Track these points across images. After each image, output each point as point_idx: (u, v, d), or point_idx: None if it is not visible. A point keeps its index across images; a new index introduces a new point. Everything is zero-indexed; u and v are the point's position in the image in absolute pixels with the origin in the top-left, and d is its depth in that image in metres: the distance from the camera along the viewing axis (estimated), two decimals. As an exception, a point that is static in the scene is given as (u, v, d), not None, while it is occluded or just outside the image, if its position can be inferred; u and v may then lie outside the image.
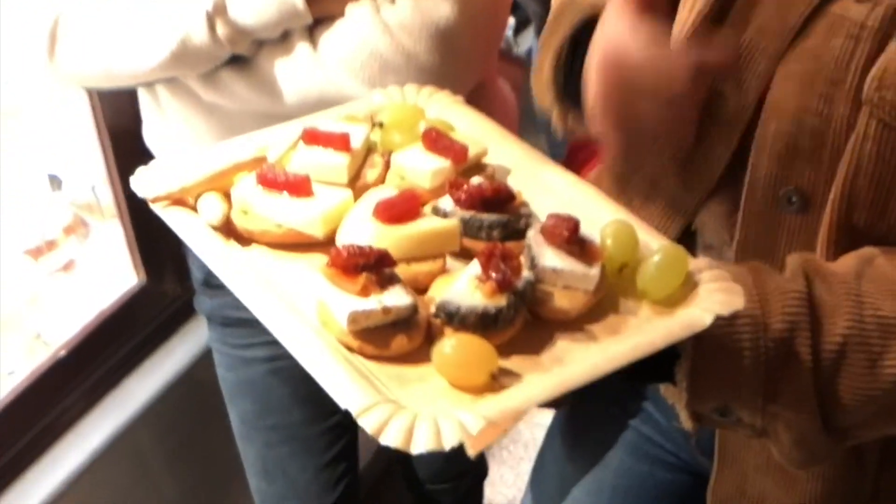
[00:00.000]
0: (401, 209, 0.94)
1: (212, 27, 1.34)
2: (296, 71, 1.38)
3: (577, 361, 0.87)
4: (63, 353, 1.90)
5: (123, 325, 2.02)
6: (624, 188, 1.22)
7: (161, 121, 1.61)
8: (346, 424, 1.89)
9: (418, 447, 0.77)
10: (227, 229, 0.99)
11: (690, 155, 1.14)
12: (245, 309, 1.72)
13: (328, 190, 0.99)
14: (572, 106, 1.13)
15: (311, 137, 1.03)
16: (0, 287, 1.98)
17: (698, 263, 0.96)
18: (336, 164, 1.01)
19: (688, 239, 1.17)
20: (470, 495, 2.42)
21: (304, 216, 0.97)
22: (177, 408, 2.09)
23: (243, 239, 0.99)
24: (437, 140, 1.03)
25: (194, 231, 0.98)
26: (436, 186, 1.02)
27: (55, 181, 2.22)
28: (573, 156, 1.75)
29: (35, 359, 1.96)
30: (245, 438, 1.92)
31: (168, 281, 2.09)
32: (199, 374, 2.10)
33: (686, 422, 1.01)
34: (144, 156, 1.71)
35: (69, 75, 1.48)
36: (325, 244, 0.97)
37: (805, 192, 1.05)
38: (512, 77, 1.78)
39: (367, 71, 1.35)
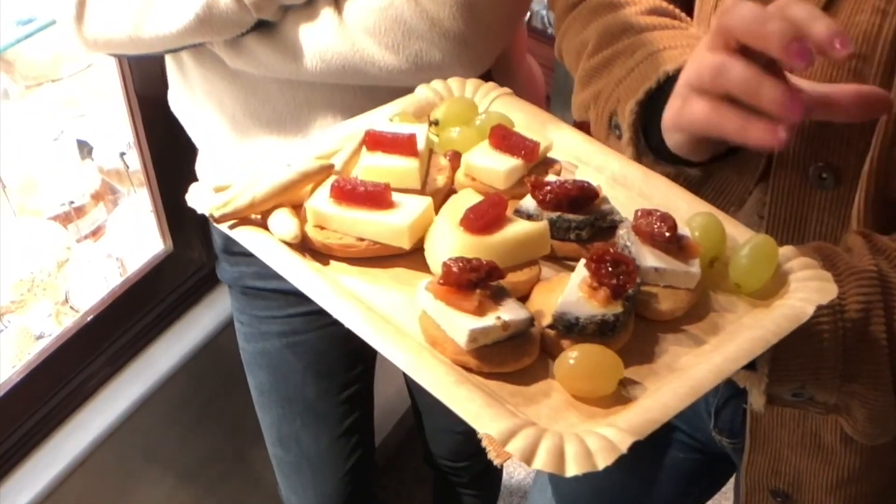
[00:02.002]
0: (490, 217, 0.90)
1: None
2: (320, 36, 1.37)
3: (695, 365, 0.85)
4: (90, 318, 1.94)
5: (150, 292, 2.07)
6: (676, 177, 1.19)
7: (185, 86, 1.60)
8: (360, 397, 1.94)
9: (572, 469, 0.75)
10: (302, 245, 0.95)
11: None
12: (264, 279, 1.77)
13: (406, 198, 0.95)
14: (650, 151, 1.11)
15: (375, 142, 0.98)
16: (29, 252, 2.03)
17: (784, 251, 0.95)
18: (406, 169, 0.97)
19: None
20: (489, 471, 2.42)
21: (389, 229, 0.92)
22: (201, 374, 2.14)
23: (321, 254, 0.95)
24: (506, 138, 1.00)
25: (273, 250, 0.92)
26: (509, 186, 0.99)
27: (85, 148, 2.24)
28: None
29: (62, 323, 2.03)
30: (262, 407, 1.97)
31: (194, 249, 2.11)
32: (223, 342, 2.15)
33: (758, 403, 1.00)
34: (173, 124, 1.75)
35: (96, 41, 1.46)
36: (409, 256, 0.94)
37: (837, 167, 1.05)
38: (545, 56, 1.76)
39: (390, 36, 1.35)
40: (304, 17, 1.38)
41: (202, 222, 2.00)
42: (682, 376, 0.83)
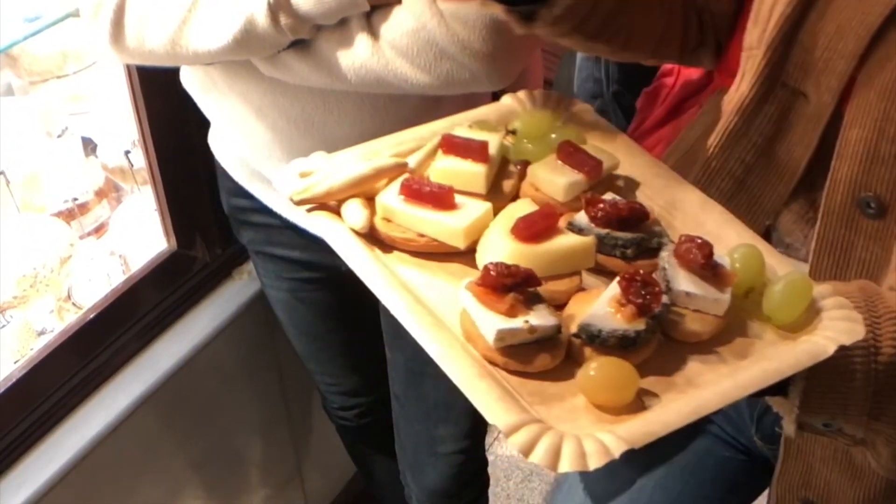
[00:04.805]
0: (539, 227, 0.98)
1: (274, 17, 1.38)
2: (355, 55, 1.42)
3: (709, 385, 0.91)
4: (92, 315, 1.94)
5: (152, 290, 2.07)
6: (707, 189, 1.23)
7: (203, 73, 1.66)
8: (369, 326, 2.04)
9: (564, 467, 0.82)
10: (369, 234, 1.04)
11: (774, 152, 1.17)
12: (272, 246, 1.92)
13: (469, 202, 1.03)
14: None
15: (450, 146, 1.06)
16: (32, 248, 2.01)
17: (821, 290, 0.99)
18: (475, 173, 1.05)
19: (764, 236, 1.19)
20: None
21: (447, 228, 1.01)
22: (202, 373, 2.16)
23: (385, 245, 1.04)
24: (572, 154, 1.06)
25: (340, 236, 1.02)
26: (569, 199, 1.06)
27: (89, 145, 2.24)
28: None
29: (64, 319, 2.02)
30: (287, 334, 2.15)
31: (198, 247, 2.13)
32: (225, 341, 2.17)
33: (789, 430, 1.05)
34: (179, 123, 1.78)
35: (132, 56, 1.52)
36: (465, 254, 1.02)
37: (883, 198, 1.07)
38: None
39: (422, 57, 1.40)
40: (337, 36, 1.43)
41: (206, 221, 2.05)
42: (689, 396, 0.90)
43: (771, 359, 0.94)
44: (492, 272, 0.91)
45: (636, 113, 1.86)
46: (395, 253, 1.03)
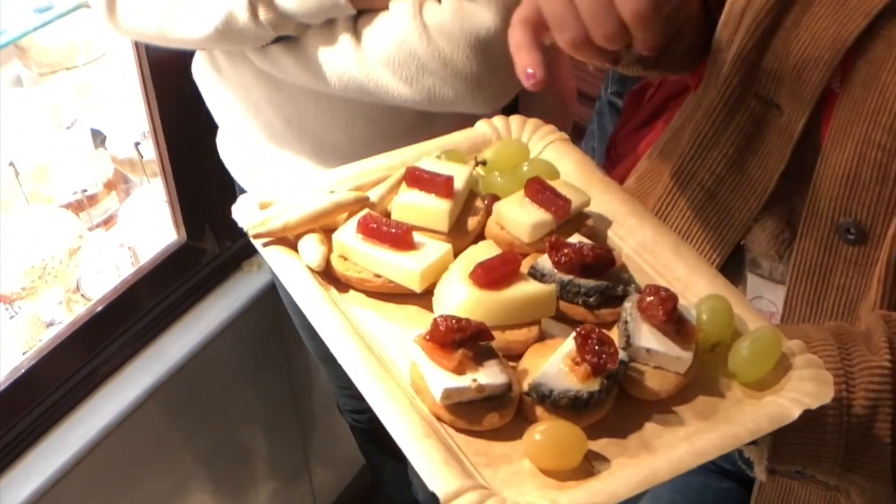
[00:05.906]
0: (499, 274, 0.94)
1: (253, 11, 1.36)
2: (337, 59, 1.39)
3: (664, 450, 0.88)
4: (101, 307, 1.95)
5: (161, 282, 2.07)
6: (677, 198, 1.21)
7: (212, 67, 1.66)
8: None
9: (503, 538, 0.79)
10: (325, 271, 1.00)
11: (745, 164, 1.15)
12: None
13: (428, 242, 0.99)
14: None
15: (414, 180, 1.03)
16: (40, 240, 2.02)
17: (791, 345, 0.95)
18: (438, 210, 1.01)
19: (736, 254, 1.18)
20: None
21: (403, 270, 0.97)
22: (211, 365, 2.15)
23: (340, 283, 1.00)
24: (540, 191, 1.02)
25: (293, 273, 0.99)
26: (535, 240, 1.02)
27: (98, 137, 2.24)
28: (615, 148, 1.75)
29: (73, 311, 2.04)
30: (302, 335, 2.15)
31: (207, 240, 2.13)
32: (233, 333, 2.17)
33: (761, 476, 1.02)
34: (190, 115, 1.78)
35: (129, 32, 1.52)
36: (423, 296, 0.98)
37: (863, 224, 1.05)
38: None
39: (404, 69, 1.37)
40: (323, 37, 1.40)
41: (216, 214, 2.05)
42: (640, 463, 0.86)
43: (731, 422, 0.90)
44: (440, 327, 0.88)
45: (622, 112, 1.83)
46: (352, 293, 1.00)
